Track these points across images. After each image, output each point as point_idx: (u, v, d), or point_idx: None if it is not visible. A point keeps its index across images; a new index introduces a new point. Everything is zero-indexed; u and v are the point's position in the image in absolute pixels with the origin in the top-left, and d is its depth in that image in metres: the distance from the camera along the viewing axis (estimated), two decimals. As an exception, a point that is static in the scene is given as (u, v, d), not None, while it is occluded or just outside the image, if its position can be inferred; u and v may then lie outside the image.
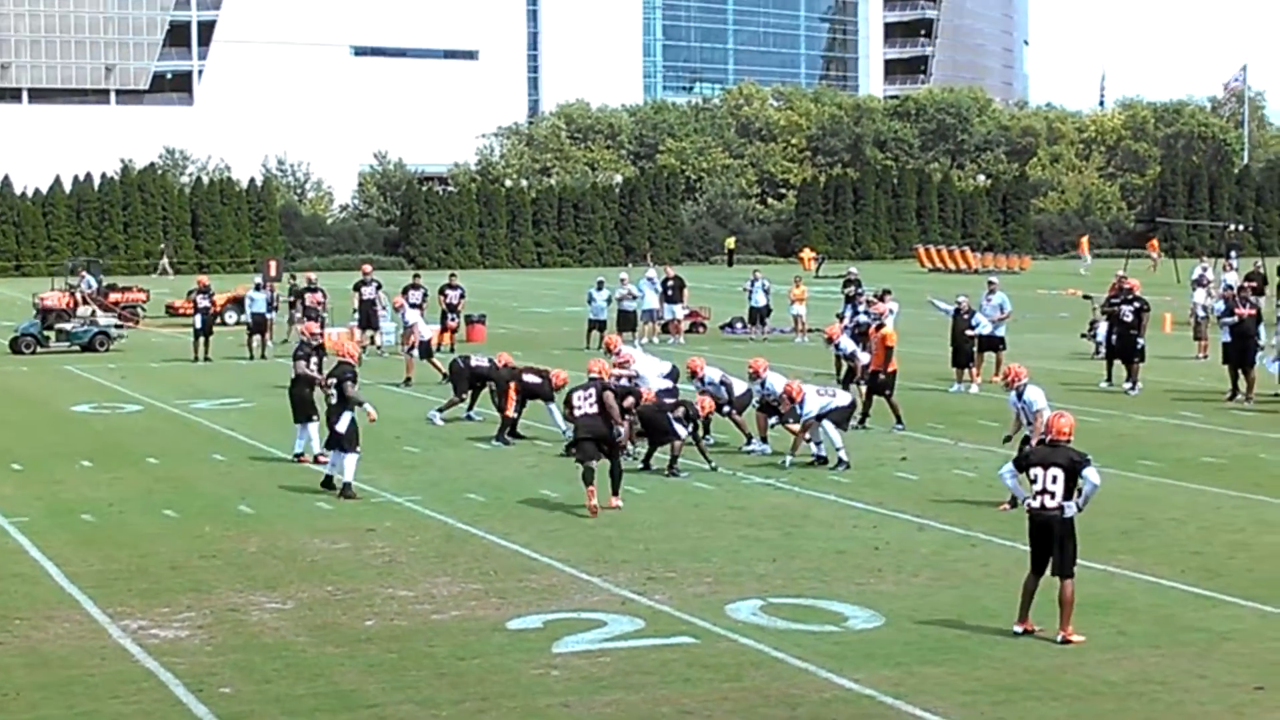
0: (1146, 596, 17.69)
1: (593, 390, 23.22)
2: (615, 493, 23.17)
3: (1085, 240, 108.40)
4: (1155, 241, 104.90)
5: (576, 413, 23.38)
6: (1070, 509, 15.75)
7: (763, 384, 27.72)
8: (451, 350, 44.34)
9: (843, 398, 27.25)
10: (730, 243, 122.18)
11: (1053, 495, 15.82)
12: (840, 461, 26.30)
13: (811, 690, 14.44)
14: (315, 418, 27.27)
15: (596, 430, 22.95)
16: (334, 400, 24.33)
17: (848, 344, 32.93)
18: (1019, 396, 22.91)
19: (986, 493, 23.68)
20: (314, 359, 27.79)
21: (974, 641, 15.87)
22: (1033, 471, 16.17)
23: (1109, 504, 22.82)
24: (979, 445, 28.74)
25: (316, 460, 26.77)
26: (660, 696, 14.27)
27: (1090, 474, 15.82)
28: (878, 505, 23.28)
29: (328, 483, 24.51)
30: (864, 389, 31.46)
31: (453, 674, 15.00)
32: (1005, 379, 23.60)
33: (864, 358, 32.09)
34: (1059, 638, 15.67)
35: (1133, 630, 16.22)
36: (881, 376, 31.17)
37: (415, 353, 39.81)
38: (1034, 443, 21.95)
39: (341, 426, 24.05)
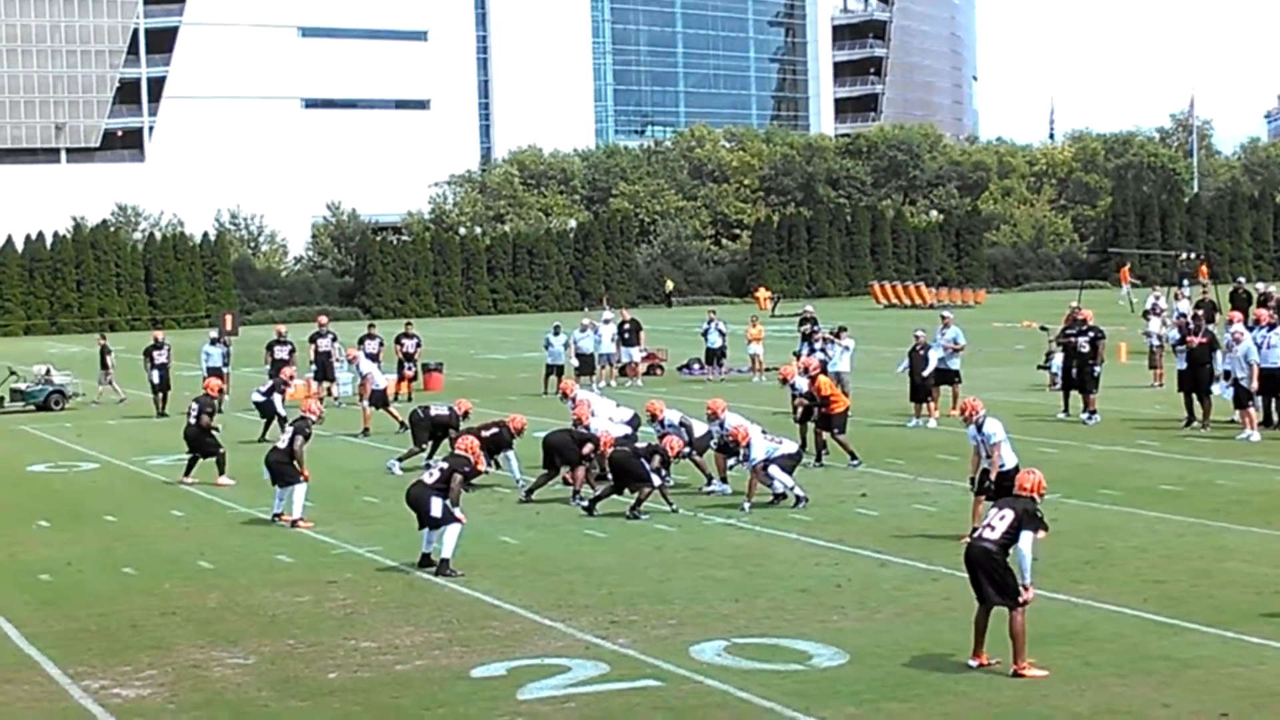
0: (1109, 626, 17.70)
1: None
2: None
3: (1126, 270, 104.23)
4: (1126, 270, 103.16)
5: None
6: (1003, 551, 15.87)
7: (721, 425, 27.66)
8: (409, 399, 44.19)
9: (789, 445, 27.19)
10: (669, 285, 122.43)
11: (993, 529, 15.91)
12: (798, 498, 26.28)
13: (777, 730, 14.41)
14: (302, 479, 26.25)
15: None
16: (434, 480, 22.29)
17: (803, 384, 32.88)
18: (978, 429, 22.86)
19: (947, 527, 23.70)
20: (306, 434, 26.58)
21: (938, 676, 15.86)
22: (990, 510, 16.36)
23: (1071, 534, 22.92)
24: (938, 480, 28.77)
25: (295, 524, 25.98)
26: (626, 741, 14.23)
27: (1025, 542, 15.86)
28: (839, 542, 23.26)
29: (425, 561, 22.34)
30: (815, 428, 31.43)
31: (417, 724, 14.92)
32: (963, 413, 23.51)
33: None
34: (1011, 671, 15.67)
35: (1096, 660, 16.23)
36: (828, 414, 31.03)
37: (367, 403, 39.41)
38: (992, 476, 22.06)
39: (436, 510, 21.96)
